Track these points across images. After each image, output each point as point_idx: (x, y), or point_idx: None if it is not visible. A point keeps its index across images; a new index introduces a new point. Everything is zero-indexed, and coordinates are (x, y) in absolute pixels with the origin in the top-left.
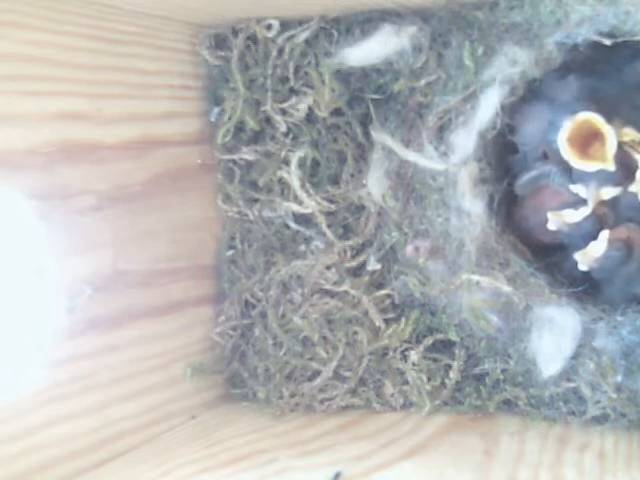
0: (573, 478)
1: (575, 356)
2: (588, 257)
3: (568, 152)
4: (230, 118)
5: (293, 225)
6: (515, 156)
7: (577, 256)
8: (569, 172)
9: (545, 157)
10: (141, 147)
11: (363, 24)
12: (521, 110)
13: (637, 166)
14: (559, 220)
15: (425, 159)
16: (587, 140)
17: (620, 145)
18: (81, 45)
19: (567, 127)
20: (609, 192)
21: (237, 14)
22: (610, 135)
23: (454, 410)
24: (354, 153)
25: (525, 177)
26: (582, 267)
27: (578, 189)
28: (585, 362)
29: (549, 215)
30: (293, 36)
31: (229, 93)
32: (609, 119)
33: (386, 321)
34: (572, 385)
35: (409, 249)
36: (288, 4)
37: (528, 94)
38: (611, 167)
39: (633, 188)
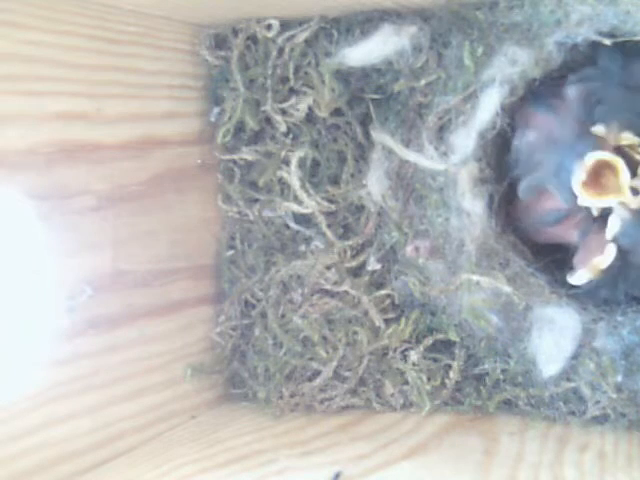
0: (573, 478)
1: (575, 356)
2: (595, 269)
3: (584, 195)
4: (230, 118)
5: (293, 225)
6: (510, 159)
7: (580, 276)
8: (568, 181)
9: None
10: (141, 147)
11: (363, 24)
12: (523, 113)
13: (634, 171)
14: (593, 270)
15: (425, 159)
16: (599, 171)
17: (620, 148)
18: (81, 45)
19: (579, 175)
20: (615, 209)
21: (237, 14)
22: (623, 168)
23: (454, 410)
24: (354, 153)
25: (526, 181)
26: (583, 280)
27: (582, 200)
28: (585, 362)
29: (580, 272)
30: (293, 36)
31: (229, 93)
32: (608, 123)
33: (386, 321)
34: (572, 385)
35: (409, 249)
36: (288, 4)
37: (530, 96)
38: (626, 198)
39: (635, 184)
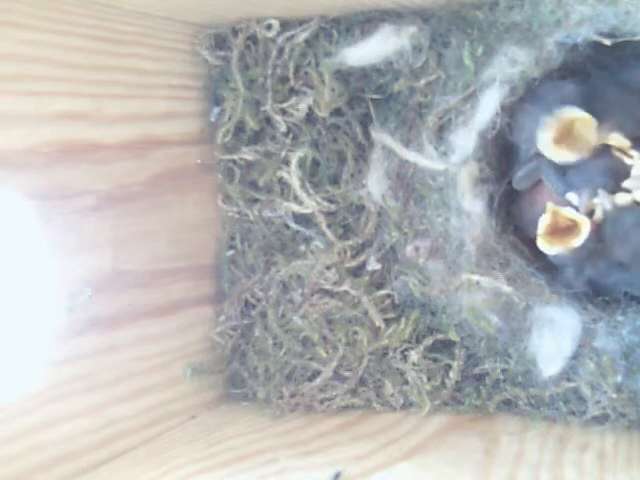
0: (573, 478)
1: (575, 356)
2: (567, 244)
3: (547, 146)
4: (230, 118)
5: (293, 225)
6: (512, 155)
7: (553, 247)
8: (562, 175)
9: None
10: (141, 147)
11: (363, 24)
12: (520, 110)
13: (629, 172)
14: (563, 248)
15: (425, 159)
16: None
17: (611, 152)
18: (81, 45)
19: (548, 126)
20: (601, 199)
21: (237, 14)
22: (592, 125)
23: (454, 410)
24: (354, 153)
25: (521, 171)
26: (552, 252)
27: (571, 197)
28: (585, 362)
29: (545, 244)
30: (293, 36)
31: (229, 93)
32: (600, 123)
33: (386, 321)
34: (572, 385)
35: (409, 249)
36: (288, 4)
37: (528, 95)
38: (584, 155)
39: (627, 184)
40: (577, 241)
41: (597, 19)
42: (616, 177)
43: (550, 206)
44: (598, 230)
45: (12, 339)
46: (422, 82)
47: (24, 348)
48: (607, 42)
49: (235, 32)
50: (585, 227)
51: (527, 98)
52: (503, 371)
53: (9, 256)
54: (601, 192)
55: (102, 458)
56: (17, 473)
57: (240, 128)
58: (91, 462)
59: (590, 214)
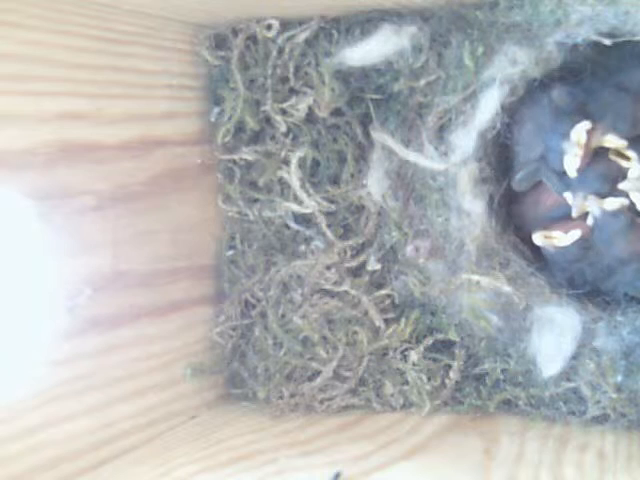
0: (573, 478)
1: (575, 356)
2: (551, 242)
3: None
4: (230, 118)
5: (293, 225)
6: (512, 155)
7: (539, 238)
8: (562, 176)
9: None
10: (141, 147)
11: (363, 24)
12: (519, 113)
13: (624, 175)
14: (548, 242)
15: (425, 159)
16: None
17: (607, 155)
18: (81, 45)
19: (573, 151)
20: (590, 205)
21: (237, 14)
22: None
23: (454, 410)
24: (354, 153)
25: (520, 173)
26: (538, 243)
27: (567, 197)
28: (585, 362)
29: (537, 236)
30: (293, 36)
31: (229, 93)
32: (595, 125)
33: (386, 321)
34: (572, 385)
35: (409, 249)
36: (288, 4)
37: (526, 97)
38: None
39: (623, 186)
40: (562, 242)
41: (597, 19)
42: (613, 180)
43: (541, 233)
44: (588, 234)
45: (12, 339)
46: (422, 82)
47: (24, 348)
48: (607, 42)
49: (235, 32)
50: (573, 236)
51: (525, 102)
52: (503, 371)
53: (9, 256)
54: (590, 198)
55: (102, 458)
56: (17, 473)
57: (240, 128)
58: (91, 462)
59: (584, 217)
